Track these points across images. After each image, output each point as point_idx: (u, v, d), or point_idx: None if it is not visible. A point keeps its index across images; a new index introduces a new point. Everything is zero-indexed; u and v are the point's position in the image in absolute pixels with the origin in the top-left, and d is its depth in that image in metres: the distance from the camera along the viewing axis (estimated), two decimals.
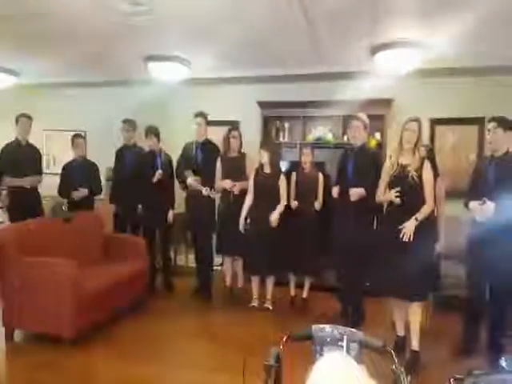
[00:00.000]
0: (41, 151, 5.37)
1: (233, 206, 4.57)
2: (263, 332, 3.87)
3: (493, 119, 3.47)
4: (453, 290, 4.22)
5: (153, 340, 3.81)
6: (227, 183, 4.66)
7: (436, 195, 3.46)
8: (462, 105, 5.10)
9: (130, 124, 5.26)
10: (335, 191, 4.07)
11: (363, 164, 3.98)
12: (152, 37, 4.35)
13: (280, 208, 4.44)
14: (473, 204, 3.41)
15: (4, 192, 4.96)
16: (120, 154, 5.33)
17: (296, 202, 4.53)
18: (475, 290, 3.60)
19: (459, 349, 3.58)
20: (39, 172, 5.15)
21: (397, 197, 3.36)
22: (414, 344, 3.39)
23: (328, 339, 1.53)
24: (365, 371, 1.33)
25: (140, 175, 5.02)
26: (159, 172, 4.91)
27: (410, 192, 3.33)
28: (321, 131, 5.57)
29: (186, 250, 6.08)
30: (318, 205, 4.51)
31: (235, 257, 4.87)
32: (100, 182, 5.24)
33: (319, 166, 4.88)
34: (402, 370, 1.39)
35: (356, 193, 3.85)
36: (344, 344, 1.50)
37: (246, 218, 4.54)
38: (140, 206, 5.09)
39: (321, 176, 4.62)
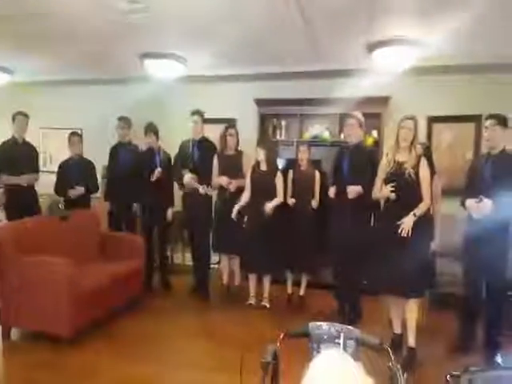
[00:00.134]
0: (37, 149, 5.35)
1: (229, 204, 4.56)
2: (260, 330, 3.88)
3: (491, 116, 3.47)
4: (449, 288, 4.24)
5: (150, 339, 3.81)
6: (223, 180, 4.66)
7: (432, 193, 3.47)
8: (458, 102, 5.11)
9: (125, 121, 5.23)
10: (332, 191, 4.09)
11: (359, 162, 3.99)
12: (148, 34, 4.34)
13: (277, 200, 4.44)
14: (469, 202, 3.42)
15: (1, 190, 4.94)
16: (114, 151, 5.28)
17: (293, 199, 4.53)
18: (471, 288, 3.61)
19: (455, 346, 3.60)
20: (36, 170, 5.14)
21: (392, 191, 3.37)
22: (411, 341, 3.41)
23: (325, 336, 1.53)
24: (361, 368, 1.33)
25: (136, 173, 5.01)
26: (158, 170, 4.90)
27: (407, 189, 3.34)
28: (317, 129, 5.58)
29: (183, 248, 6.08)
30: (314, 203, 4.53)
31: (232, 255, 4.86)
32: (96, 180, 5.23)
33: (316, 163, 4.88)
34: (399, 367, 1.40)
35: (353, 190, 3.86)
36: (341, 341, 1.50)
37: (243, 215, 4.54)
38: (135, 204, 5.08)
39: (317, 174, 4.62)
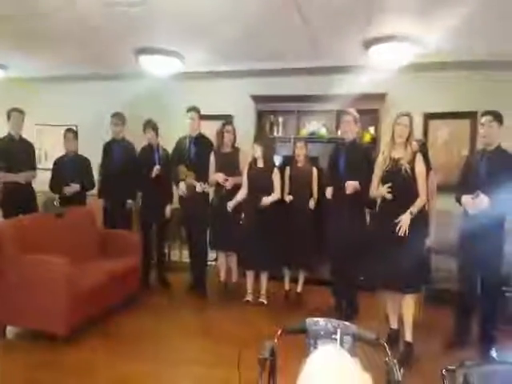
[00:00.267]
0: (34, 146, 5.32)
1: (226, 201, 4.55)
2: (258, 326, 3.89)
3: (487, 113, 3.48)
4: (444, 284, 4.26)
5: (147, 336, 3.81)
6: (219, 177, 4.65)
7: (428, 189, 3.49)
8: (455, 99, 5.11)
9: (118, 118, 5.17)
10: (329, 192, 4.10)
11: (355, 158, 4.01)
12: (144, 30, 4.32)
13: (274, 196, 4.45)
14: (465, 198, 3.43)
15: None
16: (108, 148, 5.23)
17: (290, 196, 4.53)
18: (467, 284, 3.63)
19: (451, 341, 3.62)
20: (33, 167, 5.10)
21: (389, 192, 3.39)
22: (408, 336, 3.43)
23: (322, 332, 1.54)
24: (358, 364, 1.34)
25: (131, 170, 5.02)
26: (157, 167, 4.89)
27: (403, 185, 3.36)
28: (314, 126, 5.58)
29: (180, 245, 6.08)
30: (312, 203, 4.52)
31: (229, 252, 4.86)
32: (92, 177, 5.19)
33: (313, 160, 4.88)
34: (395, 361, 1.41)
35: (351, 185, 3.87)
36: (338, 337, 1.51)
37: (240, 212, 4.54)
38: (130, 201, 5.08)
39: (315, 170, 4.63)
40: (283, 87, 5.52)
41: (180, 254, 6.13)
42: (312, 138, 5.44)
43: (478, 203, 3.31)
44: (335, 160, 4.16)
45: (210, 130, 5.04)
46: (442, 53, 4.63)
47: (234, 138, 4.79)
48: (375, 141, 5.24)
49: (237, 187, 4.60)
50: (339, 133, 5.05)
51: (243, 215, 4.53)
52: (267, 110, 5.73)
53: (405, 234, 3.28)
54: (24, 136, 5.12)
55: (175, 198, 5.14)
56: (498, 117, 3.44)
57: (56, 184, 4.93)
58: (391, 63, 4.68)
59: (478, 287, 3.60)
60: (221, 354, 3.32)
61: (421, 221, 3.40)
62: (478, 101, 4.77)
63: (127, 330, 3.94)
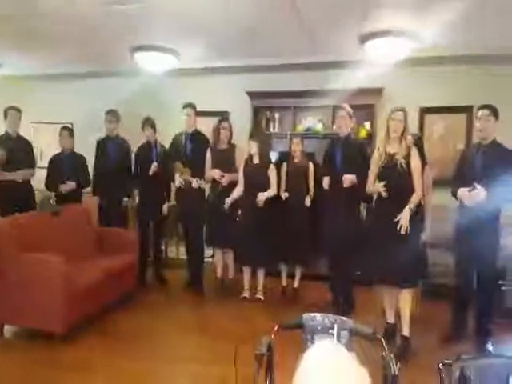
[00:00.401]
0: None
1: (222, 197, 4.54)
2: (255, 322, 3.90)
3: (484, 107, 3.49)
4: (441, 279, 4.27)
5: (145, 333, 3.80)
6: (216, 173, 4.64)
7: (424, 183, 3.49)
8: (451, 93, 5.12)
9: (112, 115, 5.13)
10: (326, 182, 4.09)
11: (350, 153, 4.04)
12: (140, 28, 4.31)
13: (270, 192, 4.44)
14: (462, 191, 3.43)
15: None
16: (102, 145, 5.19)
17: (286, 193, 4.53)
18: (463, 278, 3.65)
19: (448, 335, 3.64)
20: (32, 165, 5.06)
21: (384, 191, 3.39)
22: (405, 330, 3.44)
23: (319, 327, 1.54)
24: (355, 358, 1.34)
25: (126, 167, 5.02)
26: (154, 164, 4.88)
27: (399, 180, 3.36)
28: (311, 121, 5.58)
29: (177, 242, 6.08)
30: (308, 200, 4.51)
31: (225, 249, 4.86)
32: (88, 174, 5.16)
33: (309, 156, 4.88)
34: (392, 356, 1.41)
35: (348, 179, 3.88)
36: (335, 332, 1.51)
37: (236, 209, 4.54)
38: (125, 199, 5.07)
39: (311, 165, 4.62)
40: (279, 83, 5.51)
41: (177, 251, 6.12)
42: (308, 134, 5.44)
43: (475, 195, 3.31)
44: (330, 155, 4.17)
45: (206, 126, 5.02)
46: (438, 47, 4.63)
47: (231, 134, 4.78)
48: (371, 136, 5.24)
49: (233, 184, 4.60)
50: (335, 128, 5.05)
51: (240, 212, 4.53)
52: (263, 105, 5.72)
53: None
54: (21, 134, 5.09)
55: (172, 195, 5.13)
56: (494, 111, 3.45)
57: (52, 182, 4.91)
58: (387, 58, 4.68)
59: (474, 281, 3.62)
60: (218, 350, 3.32)
61: (417, 215, 3.41)
62: (474, 95, 4.78)
63: (124, 327, 3.94)
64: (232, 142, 4.83)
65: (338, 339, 1.50)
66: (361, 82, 4.96)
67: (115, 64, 5.84)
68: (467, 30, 4.14)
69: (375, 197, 3.58)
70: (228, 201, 4.47)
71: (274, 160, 4.94)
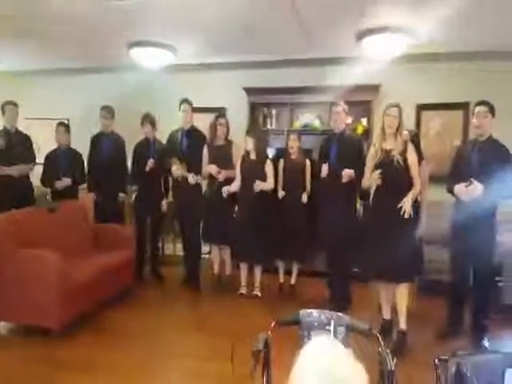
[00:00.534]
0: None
1: (219, 194, 4.54)
2: (252, 319, 3.89)
3: (482, 103, 3.49)
4: (437, 275, 4.28)
5: (142, 329, 3.80)
6: (212, 168, 4.63)
7: (420, 179, 3.50)
8: (448, 90, 5.13)
9: (107, 111, 5.12)
10: (324, 170, 4.08)
11: (345, 149, 4.06)
12: (136, 22, 4.29)
13: (267, 185, 4.44)
14: (458, 186, 3.44)
15: None
16: (96, 140, 5.17)
17: (283, 192, 4.53)
18: (459, 274, 3.66)
19: (444, 331, 3.65)
20: (30, 160, 5.01)
21: (380, 178, 3.39)
22: (402, 324, 3.45)
23: (315, 324, 1.54)
24: (352, 354, 1.34)
25: (121, 163, 5.04)
26: (151, 161, 4.87)
27: (396, 176, 3.37)
28: (308, 118, 5.57)
29: (174, 238, 6.07)
30: (305, 196, 4.51)
31: (222, 245, 4.85)
32: (84, 171, 5.15)
33: (306, 152, 4.88)
34: (388, 351, 1.41)
35: (347, 174, 3.90)
36: (331, 328, 1.51)
37: (233, 205, 4.54)
38: (122, 195, 5.06)
39: (308, 162, 4.62)
40: (276, 79, 5.49)
41: (174, 248, 6.12)
42: (305, 130, 5.44)
43: (472, 190, 3.32)
44: (326, 150, 4.18)
45: (203, 122, 5.01)
46: (434, 43, 4.63)
47: (227, 130, 4.77)
48: (368, 132, 5.24)
49: (229, 180, 4.59)
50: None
51: (237, 208, 4.52)
52: (260, 102, 5.71)
53: (397, 223, 3.29)
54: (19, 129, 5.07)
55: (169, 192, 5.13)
56: (491, 108, 3.45)
57: (48, 178, 4.90)
58: (384, 54, 4.67)
59: (470, 277, 3.63)
60: (215, 346, 3.33)
61: (413, 211, 3.41)
62: (471, 91, 4.77)
63: (121, 324, 3.93)
64: (229, 138, 4.81)
65: (335, 335, 1.50)
66: (358, 78, 4.95)
67: (112, 60, 5.82)
68: (464, 27, 4.14)
69: (372, 193, 3.58)
70: (225, 189, 4.46)
71: (270, 156, 4.93)
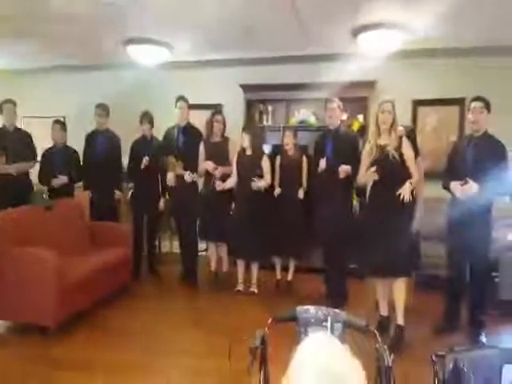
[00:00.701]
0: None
1: (215, 191, 4.53)
2: (249, 316, 3.89)
3: (478, 99, 3.49)
4: (434, 270, 4.29)
5: (139, 327, 3.79)
6: (209, 165, 4.62)
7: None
8: (444, 86, 5.13)
9: (102, 108, 5.08)
10: (322, 164, 4.07)
11: (340, 145, 4.07)
12: (132, 19, 4.28)
13: (264, 183, 4.43)
14: (454, 184, 3.44)
15: None
16: (90, 139, 5.14)
17: (279, 189, 4.52)
18: (456, 269, 3.66)
19: (441, 327, 3.65)
20: (31, 157, 4.97)
21: (375, 171, 3.39)
22: (399, 319, 3.45)
23: (312, 320, 1.55)
24: (348, 350, 1.34)
25: (117, 161, 5.02)
26: (146, 158, 4.85)
27: (392, 171, 3.37)
28: (304, 114, 5.56)
29: (171, 236, 6.06)
30: (301, 193, 4.50)
31: (219, 242, 4.84)
32: (80, 169, 5.12)
33: (303, 149, 4.87)
34: (386, 347, 1.41)
35: (343, 170, 3.90)
36: (328, 324, 1.51)
37: (230, 202, 4.53)
38: (118, 193, 5.04)
39: (304, 158, 4.61)
40: (273, 76, 5.49)
41: (170, 245, 6.11)
42: (302, 127, 5.43)
43: (467, 189, 3.33)
44: (321, 147, 4.19)
45: (199, 119, 4.99)
46: (430, 39, 4.64)
47: (224, 127, 4.76)
48: (364, 129, 5.24)
49: (226, 177, 4.58)
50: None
51: (233, 205, 4.52)
52: (256, 98, 5.71)
53: (394, 217, 3.30)
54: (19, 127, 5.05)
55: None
56: (487, 104, 3.46)
57: (44, 176, 4.87)
58: (380, 50, 4.67)
59: (466, 273, 3.63)
60: (212, 343, 3.33)
61: (410, 206, 3.42)
62: (467, 87, 4.77)
63: (118, 321, 3.92)
64: (225, 134, 4.80)
65: (332, 331, 1.51)
66: (354, 74, 4.95)
67: (109, 57, 5.80)
68: (459, 22, 4.13)
69: (368, 189, 3.58)
70: (219, 183, 4.46)
71: (267, 152, 4.92)
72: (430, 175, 3.94)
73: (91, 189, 5.03)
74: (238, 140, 4.65)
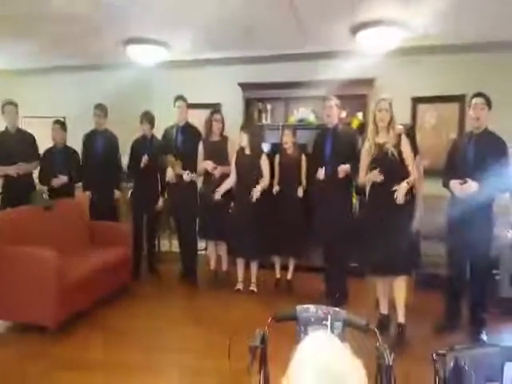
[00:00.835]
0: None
1: (214, 190, 4.51)
2: (248, 315, 3.89)
3: (479, 95, 3.47)
4: (434, 269, 4.28)
5: (139, 326, 3.79)
6: (208, 164, 4.61)
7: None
8: (443, 83, 5.11)
9: (101, 109, 5.08)
10: (320, 174, 4.07)
11: (339, 143, 4.07)
12: (131, 19, 4.28)
13: (262, 185, 4.41)
14: (453, 183, 3.43)
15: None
16: (89, 139, 5.14)
17: (278, 187, 4.52)
18: (456, 268, 3.65)
19: (442, 325, 3.65)
20: (33, 158, 4.94)
21: (379, 173, 3.38)
22: (400, 317, 3.46)
23: (312, 319, 1.54)
24: (349, 349, 1.33)
25: (116, 161, 5.02)
26: (145, 158, 4.85)
27: (391, 169, 3.36)
28: (303, 112, 5.55)
29: (170, 235, 6.06)
30: (301, 191, 4.49)
31: (218, 241, 4.84)
32: (80, 169, 5.12)
33: (302, 147, 4.86)
34: (386, 346, 1.40)
35: (343, 169, 3.90)
36: (328, 323, 1.50)
37: (229, 201, 4.52)
38: (117, 192, 5.04)
39: (304, 157, 4.60)
40: (271, 74, 5.47)
41: (170, 244, 6.11)
42: (301, 125, 5.42)
43: (467, 188, 3.32)
44: (320, 145, 4.18)
45: (198, 118, 4.98)
46: (429, 36, 4.62)
47: (223, 126, 4.75)
48: (363, 126, 5.22)
49: (225, 176, 4.57)
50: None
51: (232, 204, 4.51)
52: (255, 97, 5.69)
53: (394, 216, 3.30)
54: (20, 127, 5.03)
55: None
56: (488, 100, 3.45)
57: (44, 176, 4.88)
58: (379, 48, 4.66)
59: (467, 271, 3.63)
60: (212, 342, 3.31)
61: (409, 205, 3.41)
62: (467, 84, 4.75)
63: (118, 320, 3.92)
64: (224, 133, 4.79)
65: (332, 330, 1.50)
66: (353, 72, 4.93)
67: (108, 57, 5.80)
68: (458, 19, 4.12)
69: (368, 187, 3.57)
70: (219, 190, 4.44)
71: (266, 151, 4.91)
72: (429, 173, 3.94)
73: (91, 189, 5.03)
74: (237, 139, 4.63)
